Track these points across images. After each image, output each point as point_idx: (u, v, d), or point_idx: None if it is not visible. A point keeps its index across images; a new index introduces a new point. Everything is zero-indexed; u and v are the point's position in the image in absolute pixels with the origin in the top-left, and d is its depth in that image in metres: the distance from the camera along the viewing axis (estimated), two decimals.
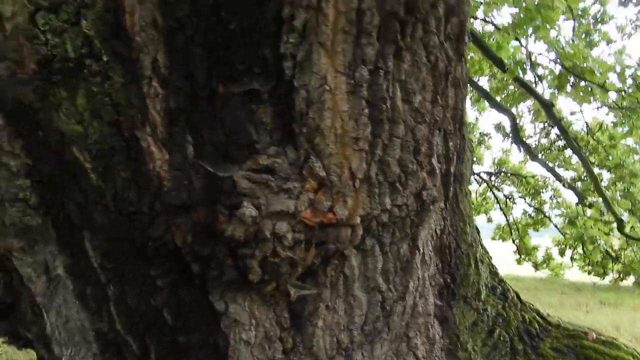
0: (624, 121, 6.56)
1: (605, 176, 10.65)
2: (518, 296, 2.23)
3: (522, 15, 3.84)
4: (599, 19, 9.57)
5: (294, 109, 1.39)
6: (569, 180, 9.15)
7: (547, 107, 4.71)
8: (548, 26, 3.98)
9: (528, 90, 5.36)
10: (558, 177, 8.47)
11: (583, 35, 7.21)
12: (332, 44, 1.31)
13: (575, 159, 9.99)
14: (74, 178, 1.39)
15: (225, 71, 1.36)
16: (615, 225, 6.99)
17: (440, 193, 1.80)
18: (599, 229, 5.93)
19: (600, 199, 5.85)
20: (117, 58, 1.26)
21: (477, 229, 2.29)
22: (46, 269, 1.61)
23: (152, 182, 1.35)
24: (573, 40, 4.88)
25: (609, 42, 10.20)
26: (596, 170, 10.39)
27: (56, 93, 1.31)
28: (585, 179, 10.29)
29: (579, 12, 7.83)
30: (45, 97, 1.30)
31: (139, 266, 1.47)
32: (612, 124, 8.64)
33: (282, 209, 1.39)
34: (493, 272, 2.23)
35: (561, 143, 10.90)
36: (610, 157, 8.58)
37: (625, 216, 6.12)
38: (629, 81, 4.42)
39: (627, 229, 5.95)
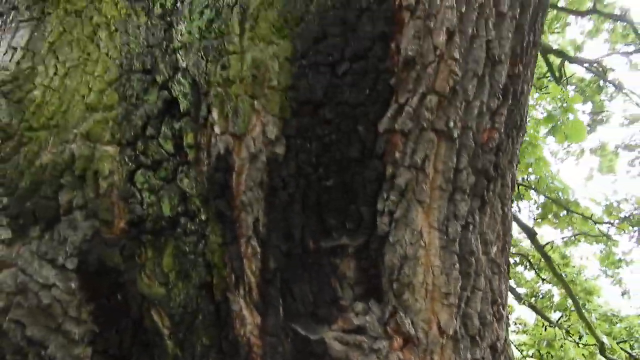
0: (576, 241, 6.97)
1: (555, 291, 11.01)
2: None
3: None
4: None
5: (382, 264, 1.35)
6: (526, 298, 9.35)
7: (530, 235, 4.98)
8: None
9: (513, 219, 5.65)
10: (517, 296, 8.64)
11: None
12: (429, 201, 1.32)
13: (528, 276, 10.31)
14: (146, 347, 1.25)
15: (317, 227, 1.32)
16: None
17: None
18: (582, 354, 5.99)
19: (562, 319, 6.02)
20: (218, 217, 1.20)
21: None
22: None
23: (241, 349, 1.23)
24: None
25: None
26: (547, 286, 10.72)
27: (142, 253, 1.21)
28: (540, 296, 10.56)
29: None
30: (131, 258, 1.20)
31: None
32: (562, 243, 9.16)
33: None
34: None
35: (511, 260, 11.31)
36: (564, 274, 8.93)
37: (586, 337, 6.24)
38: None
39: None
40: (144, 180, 1.18)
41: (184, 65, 1.22)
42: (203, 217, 1.20)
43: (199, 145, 1.19)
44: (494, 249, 1.53)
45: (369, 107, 1.27)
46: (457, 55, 1.24)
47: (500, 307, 1.64)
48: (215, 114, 1.16)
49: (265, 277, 1.24)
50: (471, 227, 1.40)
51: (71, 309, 1.22)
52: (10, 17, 1.39)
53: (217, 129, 1.16)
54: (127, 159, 1.17)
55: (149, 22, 1.26)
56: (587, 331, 5.27)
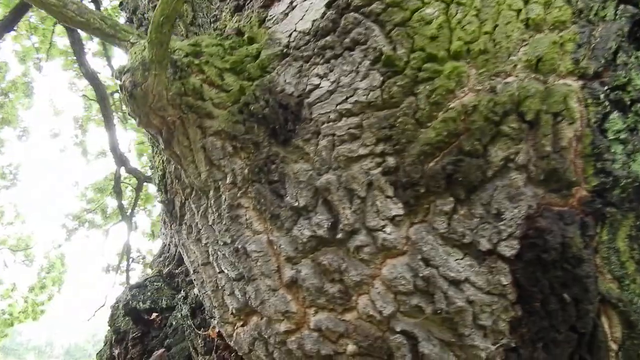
0: None
1: None
2: None
3: None
4: None
5: None
6: None
7: None
8: None
9: None
10: None
11: None
12: None
13: None
14: None
15: None
16: None
17: None
18: None
19: None
20: None
21: None
22: None
23: None
24: None
25: None
26: None
27: (596, 234, 0.85)
28: None
29: None
30: (591, 241, 0.83)
31: None
32: None
33: None
34: None
35: None
36: None
37: None
38: None
39: None
40: (620, 128, 0.81)
41: None
42: None
43: None
44: None
45: None
46: None
47: None
48: None
49: None
50: None
51: (485, 316, 0.85)
52: None
53: None
54: (599, 98, 0.81)
55: None
56: None
